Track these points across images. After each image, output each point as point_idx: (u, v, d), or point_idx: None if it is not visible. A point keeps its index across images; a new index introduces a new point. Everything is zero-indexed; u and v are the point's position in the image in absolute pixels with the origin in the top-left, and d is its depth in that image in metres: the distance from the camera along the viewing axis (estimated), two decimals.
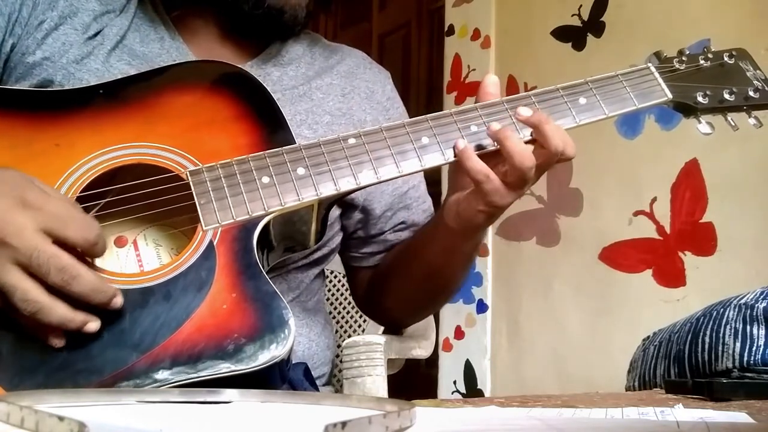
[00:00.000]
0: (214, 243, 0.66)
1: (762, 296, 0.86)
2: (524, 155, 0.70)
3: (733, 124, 0.83)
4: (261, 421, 0.48)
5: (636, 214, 1.81)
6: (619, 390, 1.03)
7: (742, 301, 0.86)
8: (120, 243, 0.74)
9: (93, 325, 0.61)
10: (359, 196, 0.93)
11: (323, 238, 0.83)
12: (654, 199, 1.78)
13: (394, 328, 1.24)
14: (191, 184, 0.69)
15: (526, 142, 0.73)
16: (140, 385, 0.59)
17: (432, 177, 0.98)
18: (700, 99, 0.82)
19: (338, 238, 0.97)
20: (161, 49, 0.89)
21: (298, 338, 0.89)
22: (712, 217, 1.68)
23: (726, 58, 0.85)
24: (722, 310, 0.88)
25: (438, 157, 0.73)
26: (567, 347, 1.93)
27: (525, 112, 0.73)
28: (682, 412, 0.52)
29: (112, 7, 0.89)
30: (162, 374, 0.60)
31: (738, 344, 0.83)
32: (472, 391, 2.14)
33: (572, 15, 2.00)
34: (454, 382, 2.19)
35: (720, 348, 0.84)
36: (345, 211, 0.95)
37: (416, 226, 0.99)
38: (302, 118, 0.90)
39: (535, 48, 2.09)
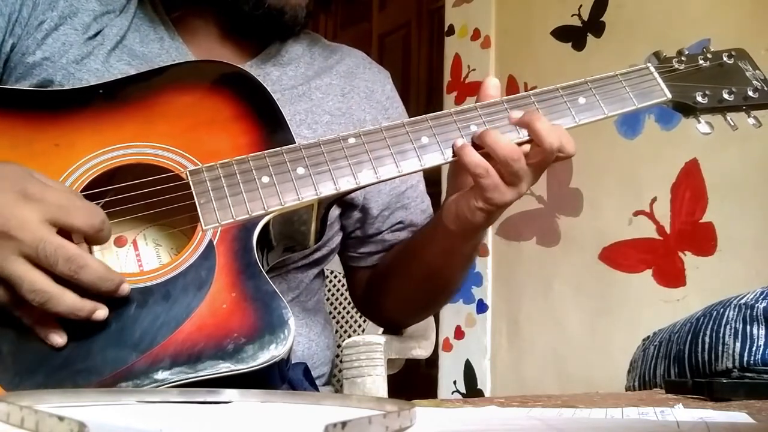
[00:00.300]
0: (214, 242, 0.66)
1: (762, 296, 0.86)
2: (508, 148, 0.71)
3: (732, 123, 0.83)
4: (261, 421, 0.48)
5: (636, 214, 1.81)
6: (619, 390, 1.03)
7: (742, 301, 0.86)
8: (120, 243, 0.74)
9: (101, 312, 0.61)
10: (359, 196, 0.93)
11: (323, 238, 0.83)
12: (654, 199, 1.78)
13: (392, 328, 1.24)
14: (191, 183, 0.69)
15: (524, 142, 0.73)
16: (140, 385, 0.59)
17: (432, 177, 0.98)
18: (699, 99, 0.82)
19: (338, 238, 0.97)
20: (161, 49, 0.89)
21: (297, 338, 0.89)
22: (712, 217, 1.68)
23: (725, 58, 0.85)
24: (722, 310, 0.88)
25: (438, 157, 0.73)
26: (567, 347, 1.93)
27: (516, 114, 0.74)
28: (682, 412, 0.52)
29: (112, 7, 0.89)
30: (162, 374, 0.60)
31: (738, 344, 0.83)
32: (472, 391, 2.14)
33: (572, 15, 2.00)
34: (454, 382, 2.19)
35: (720, 348, 0.84)
36: (344, 211, 0.95)
37: (414, 226, 0.98)
38: (302, 118, 0.90)
39: (535, 48, 2.09)
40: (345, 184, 0.71)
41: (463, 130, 0.74)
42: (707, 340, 0.86)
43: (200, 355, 0.60)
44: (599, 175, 1.89)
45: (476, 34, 2.25)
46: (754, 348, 0.82)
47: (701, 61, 0.84)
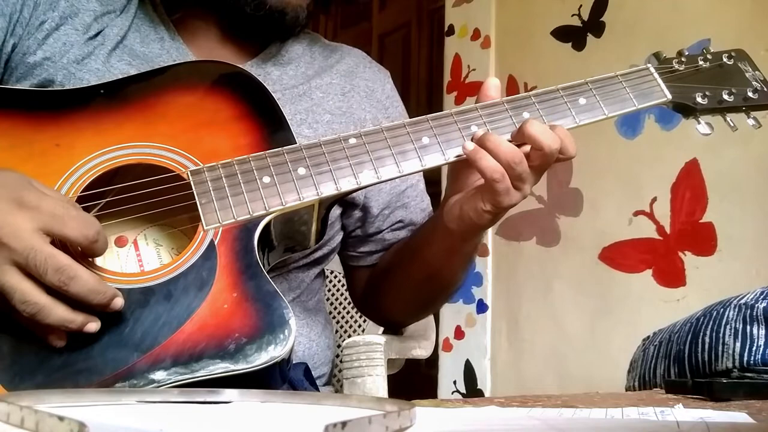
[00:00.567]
0: (215, 243, 0.67)
1: (762, 296, 0.86)
2: (510, 151, 0.71)
3: (732, 124, 0.83)
4: (261, 421, 0.48)
5: (636, 214, 1.81)
6: (619, 390, 1.03)
7: (742, 301, 0.86)
8: (120, 243, 0.74)
9: (93, 326, 0.60)
10: (360, 195, 0.93)
11: (324, 238, 0.83)
12: (654, 199, 1.78)
13: (392, 327, 1.24)
14: (192, 183, 0.69)
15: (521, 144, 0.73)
16: (140, 385, 0.59)
17: (431, 177, 0.98)
18: (699, 100, 0.82)
19: (339, 237, 0.97)
20: (161, 49, 0.89)
21: (298, 338, 0.89)
22: (712, 217, 1.68)
23: (725, 59, 0.85)
24: (722, 310, 0.88)
25: (438, 157, 0.73)
26: (567, 347, 1.93)
27: (513, 133, 0.74)
28: (682, 412, 0.52)
29: (112, 7, 0.89)
30: (163, 374, 0.60)
31: (738, 344, 0.83)
32: (472, 391, 2.14)
33: (572, 15, 2.00)
34: (454, 382, 2.19)
35: (720, 348, 0.84)
36: (345, 210, 0.95)
37: (414, 225, 0.99)
38: (302, 117, 0.90)
39: (535, 48, 2.09)
40: (346, 184, 0.71)
41: (464, 131, 0.74)
42: (707, 340, 0.86)
43: (201, 355, 0.61)
44: (599, 175, 1.89)
45: (476, 34, 2.25)
46: (754, 348, 0.82)
47: (701, 62, 0.84)
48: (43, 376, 0.60)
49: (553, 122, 0.75)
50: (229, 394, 0.53)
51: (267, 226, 0.69)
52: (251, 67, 0.90)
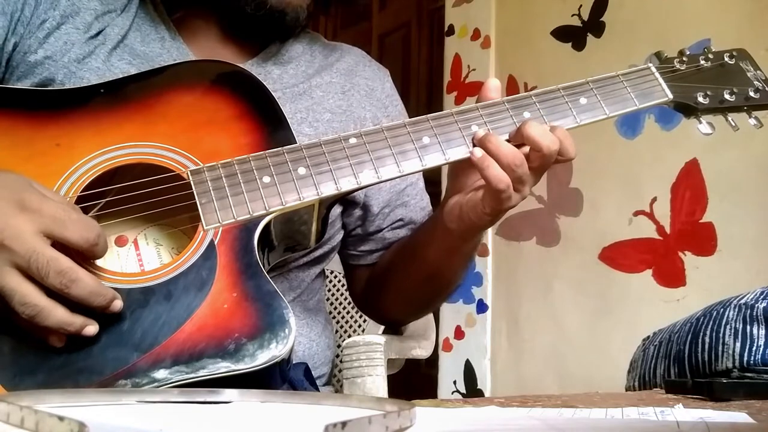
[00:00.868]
0: (215, 242, 0.66)
1: (762, 296, 0.86)
2: (511, 154, 0.71)
3: (733, 124, 0.83)
4: (261, 421, 0.48)
5: (636, 214, 1.81)
6: (619, 390, 1.03)
7: (742, 301, 0.86)
8: (120, 242, 0.74)
9: (91, 328, 0.61)
10: (360, 194, 0.93)
11: (324, 237, 0.83)
12: (654, 199, 1.78)
13: (392, 326, 1.24)
14: (192, 183, 0.69)
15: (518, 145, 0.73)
16: (141, 385, 0.59)
17: (431, 177, 0.98)
18: (700, 99, 0.82)
19: (339, 236, 0.97)
20: (162, 48, 0.89)
21: (298, 338, 0.89)
22: (712, 217, 1.68)
23: (726, 59, 0.85)
24: (722, 310, 0.88)
25: (439, 157, 0.73)
26: (567, 347, 1.93)
27: (512, 132, 0.74)
28: (682, 412, 0.52)
29: (113, 6, 0.89)
30: (163, 374, 0.60)
31: (738, 344, 0.83)
32: (472, 391, 2.14)
33: (572, 15, 2.00)
34: (454, 382, 2.19)
35: (720, 348, 0.84)
36: (346, 209, 0.96)
37: (414, 224, 0.99)
38: (303, 116, 0.90)
39: (535, 48, 2.09)
40: (346, 184, 0.71)
41: (464, 131, 0.74)
42: (707, 340, 0.86)
43: (201, 355, 0.60)
44: (599, 175, 1.89)
45: (476, 34, 2.25)
46: (754, 348, 0.82)
47: (702, 62, 0.84)
48: (44, 375, 0.60)
49: (554, 122, 0.75)
50: (229, 394, 0.53)
51: (267, 225, 0.69)
52: (252, 67, 0.90)
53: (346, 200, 0.93)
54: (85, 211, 0.68)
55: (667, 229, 1.76)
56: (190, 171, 0.70)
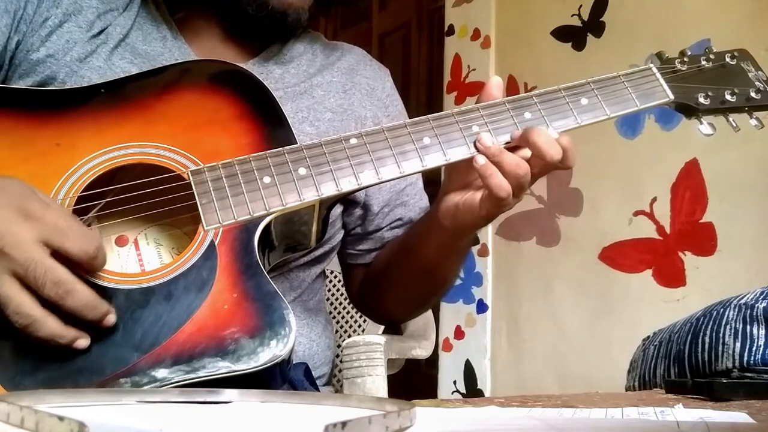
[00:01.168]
0: (216, 243, 0.66)
1: (762, 296, 0.86)
2: (514, 162, 0.71)
3: (734, 125, 0.83)
4: (261, 421, 0.48)
5: (636, 214, 1.81)
6: (619, 390, 1.03)
7: (742, 301, 0.86)
8: (121, 242, 0.74)
9: (83, 342, 0.60)
10: (361, 193, 0.93)
11: (325, 236, 0.83)
12: (654, 199, 1.78)
13: (389, 324, 1.24)
14: (192, 183, 0.69)
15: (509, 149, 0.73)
16: (141, 385, 0.59)
17: (431, 176, 0.98)
18: (701, 100, 0.82)
19: (340, 235, 0.97)
20: (163, 48, 0.89)
21: (299, 338, 0.89)
22: (712, 217, 1.68)
23: (728, 59, 0.85)
24: (722, 310, 0.88)
25: (439, 158, 0.73)
26: (567, 347, 1.93)
27: (515, 133, 0.74)
28: (682, 412, 0.52)
29: (114, 5, 0.89)
30: (163, 374, 0.60)
31: (738, 344, 0.83)
32: (472, 391, 2.14)
33: (572, 15, 2.00)
34: (454, 382, 2.19)
35: (720, 348, 0.84)
36: (347, 208, 0.96)
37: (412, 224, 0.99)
38: (304, 115, 0.90)
39: (535, 48, 2.09)
40: (347, 184, 0.71)
41: (465, 131, 0.74)
42: (707, 340, 0.86)
43: (202, 355, 0.60)
44: (599, 175, 1.89)
45: (476, 34, 2.25)
46: (754, 348, 0.82)
47: (704, 62, 0.84)
48: (44, 375, 0.60)
49: (555, 122, 0.75)
50: (229, 394, 0.53)
51: (267, 226, 0.69)
52: (253, 66, 0.90)
53: (347, 200, 0.93)
54: (86, 210, 0.68)
55: (667, 229, 1.76)
56: (191, 171, 0.70)
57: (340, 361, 1.25)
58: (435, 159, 0.73)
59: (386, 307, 1.02)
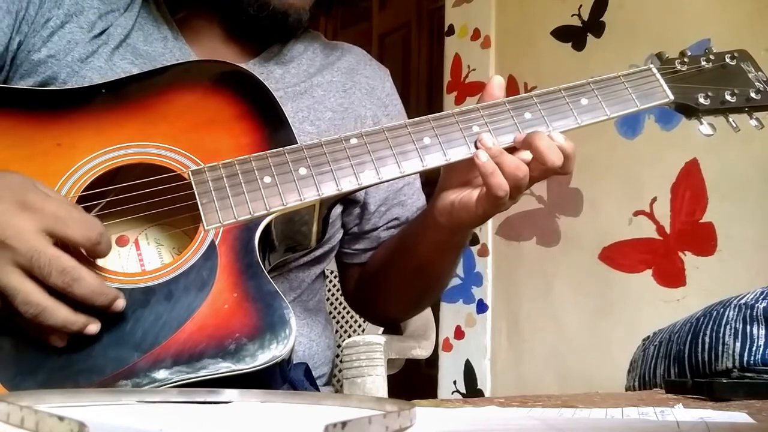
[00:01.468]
0: (216, 243, 0.67)
1: (762, 296, 0.86)
2: (514, 165, 0.72)
3: (734, 125, 0.83)
4: (261, 421, 0.48)
5: (636, 214, 1.81)
6: (619, 390, 1.03)
7: (742, 301, 0.86)
8: (121, 242, 0.74)
9: (94, 327, 0.61)
10: (360, 193, 0.93)
11: (325, 236, 0.84)
12: (654, 199, 1.78)
13: (386, 324, 1.24)
14: (193, 183, 0.69)
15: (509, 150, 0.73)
16: (141, 385, 0.59)
17: (431, 176, 0.98)
18: (701, 100, 0.82)
19: (339, 236, 0.98)
20: (164, 48, 0.89)
21: (298, 338, 0.89)
22: (712, 217, 1.68)
23: (728, 60, 0.85)
24: (722, 310, 0.88)
25: (440, 158, 0.73)
26: (567, 347, 1.93)
27: (518, 137, 0.74)
28: (682, 412, 0.52)
29: (115, 5, 0.89)
30: (163, 374, 0.60)
31: (738, 344, 0.83)
32: (472, 391, 2.14)
33: (572, 15, 2.00)
34: (454, 382, 2.19)
35: (720, 348, 0.84)
36: (346, 208, 0.96)
37: None
38: (304, 115, 0.90)
39: (535, 48, 2.09)
40: (347, 184, 0.71)
41: (465, 131, 0.74)
42: (707, 340, 0.86)
43: (202, 355, 0.61)
44: (599, 175, 1.89)
45: (476, 34, 2.25)
46: (754, 348, 0.82)
47: (704, 63, 0.84)
48: (44, 375, 0.60)
49: (555, 122, 0.75)
50: (229, 394, 0.53)
51: (268, 226, 0.69)
52: (254, 67, 0.91)
53: (347, 199, 0.93)
54: (86, 210, 0.68)
55: (667, 229, 1.76)
56: (191, 171, 0.70)
57: (340, 361, 1.25)
58: (435, 159, 0.73)
59: (381, 306, 1.02)
